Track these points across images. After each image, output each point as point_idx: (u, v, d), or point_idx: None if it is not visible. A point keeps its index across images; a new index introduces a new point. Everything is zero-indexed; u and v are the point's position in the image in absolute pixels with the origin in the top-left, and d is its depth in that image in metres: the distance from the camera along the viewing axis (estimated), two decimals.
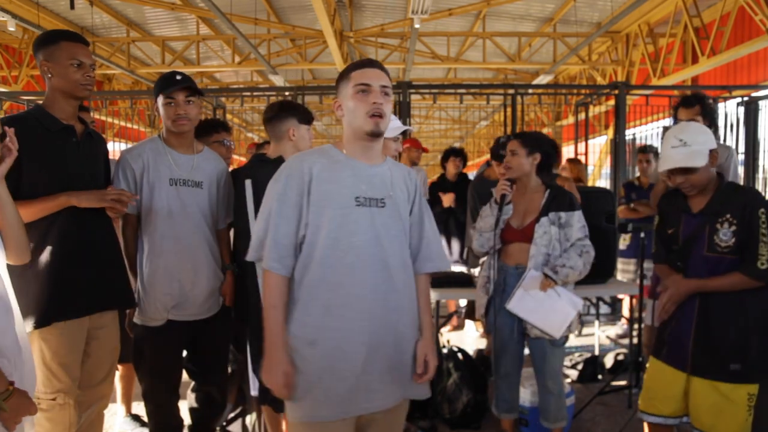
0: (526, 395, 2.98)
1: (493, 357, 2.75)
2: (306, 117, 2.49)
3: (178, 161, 2.31)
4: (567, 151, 12.70)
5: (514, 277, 2.61)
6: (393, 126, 2.80)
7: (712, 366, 2.10)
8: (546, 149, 2.66)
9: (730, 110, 6.01)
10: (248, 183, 2.35)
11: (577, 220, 2.59)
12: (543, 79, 9.35)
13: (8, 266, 1.59)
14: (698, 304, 2.14)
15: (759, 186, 6.08)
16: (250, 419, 2.94)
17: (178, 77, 2.26)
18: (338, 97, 1.71)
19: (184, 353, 2.49)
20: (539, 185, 2.67)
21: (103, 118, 7.90)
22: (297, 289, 1.63)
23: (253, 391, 2.56)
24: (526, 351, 2.74)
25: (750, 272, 2.03)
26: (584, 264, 2.55)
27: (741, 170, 5.99)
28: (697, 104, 3.11)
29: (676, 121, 3.32)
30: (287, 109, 2.48)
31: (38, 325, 1.90)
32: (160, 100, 2.26)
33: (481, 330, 4.74)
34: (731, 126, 5.96)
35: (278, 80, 9.18)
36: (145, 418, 2.95)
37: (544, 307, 2.53)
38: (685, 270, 2.19)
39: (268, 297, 1.62)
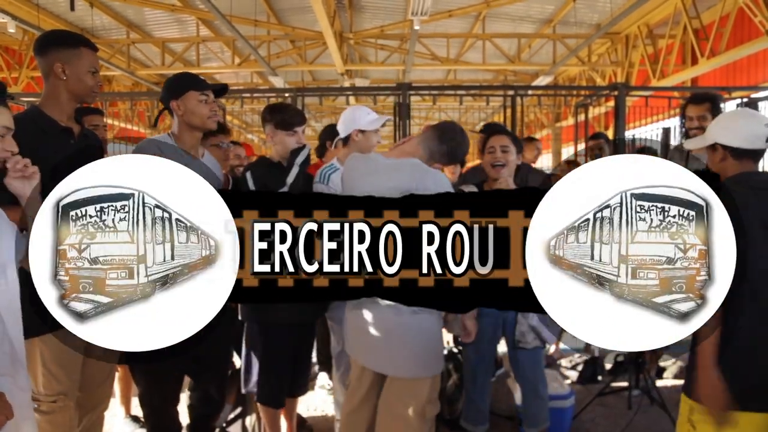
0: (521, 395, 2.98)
1: (467, 367, 2.74)
2: (284, 122, 2.44)
3: (190, 165, 2.28)
4: (566, 152, 12.71)
5: None
6: (371, 119, 2.77)
7: None
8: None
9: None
10: (248, 175, 2.41)
11: None
12: (543, 81, 9.36)
13: None
14: None
15: None
16: (250, 420, 2.94)
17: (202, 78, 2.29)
18: None
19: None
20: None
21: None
22: None
23: (245, 388, 2.58)
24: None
25: None
26: None
27: None
28: (707, 102, 3.03)
29: (684, 118, 3.19)
30: (268, 113, 2.50)
31: (38, 334, 1.89)
32: (193, 96, 2.18)
33: None
34: None
35: (278, 82, 9.19)
36: None
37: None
38: None
39: None
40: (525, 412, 2.74)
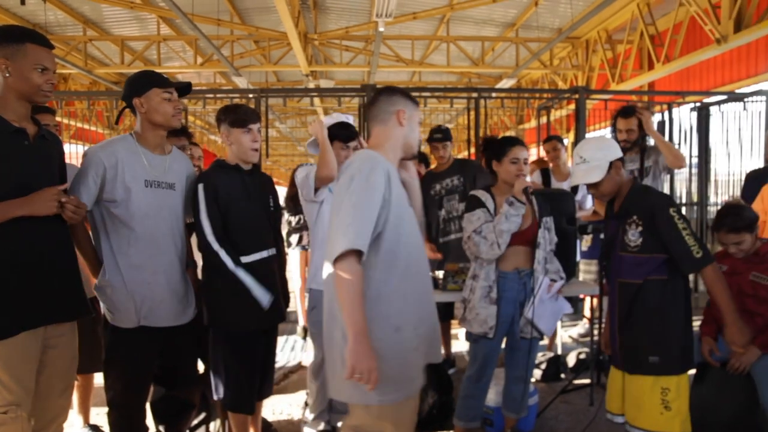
0: (491, 395, 3.01)
1: (475, 364, 2.75)
2: (238, 120, 2.42)
3: (152, 162, 2.25)
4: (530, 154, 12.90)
5: (515, 281, 2.64)
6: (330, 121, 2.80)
7: (634, 360, 2.26)
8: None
9: (683, 116, 6.22)
10: (200, 187, 2.35)
11: (552, 224, 2.75)
12: (506, 83, 9.50)
13: None
14: (618, 306, 2.31)
15: (711, 189, 6.30)
16: (214, 425, 2.89)
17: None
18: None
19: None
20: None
21: (59, 119, 7.65)
22: (383, 284, 1.75)
23: (216, 395, 2.52)
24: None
25: (693, 267, 2.17)
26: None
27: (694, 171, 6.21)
28: (634, 115, 3.38)
29: (615, 129, 3.54)
30: (222, 113, 2.47)
31: None
32: (156, 93, 2.19)
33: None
34: (684, 131, 6.17)
35: (241, 82, 9.07)
36: (104, 428, 2.86)
37: (548, 311, 2.69)
38: (608, 269, 2.38)
39: (356, 284, 1.66)
40: (507, 395, 2.85)
